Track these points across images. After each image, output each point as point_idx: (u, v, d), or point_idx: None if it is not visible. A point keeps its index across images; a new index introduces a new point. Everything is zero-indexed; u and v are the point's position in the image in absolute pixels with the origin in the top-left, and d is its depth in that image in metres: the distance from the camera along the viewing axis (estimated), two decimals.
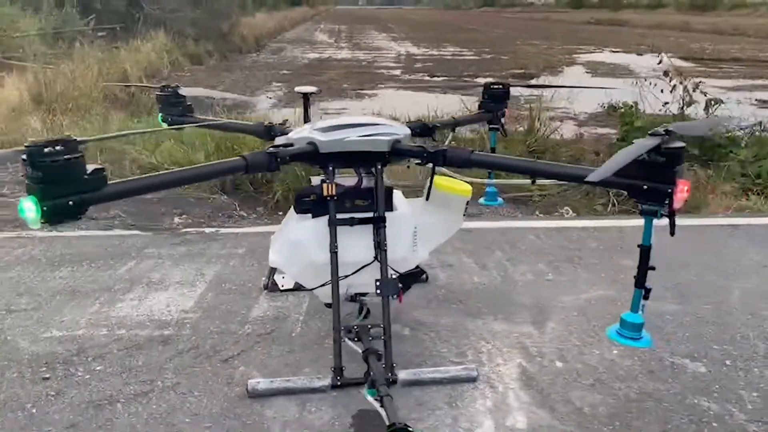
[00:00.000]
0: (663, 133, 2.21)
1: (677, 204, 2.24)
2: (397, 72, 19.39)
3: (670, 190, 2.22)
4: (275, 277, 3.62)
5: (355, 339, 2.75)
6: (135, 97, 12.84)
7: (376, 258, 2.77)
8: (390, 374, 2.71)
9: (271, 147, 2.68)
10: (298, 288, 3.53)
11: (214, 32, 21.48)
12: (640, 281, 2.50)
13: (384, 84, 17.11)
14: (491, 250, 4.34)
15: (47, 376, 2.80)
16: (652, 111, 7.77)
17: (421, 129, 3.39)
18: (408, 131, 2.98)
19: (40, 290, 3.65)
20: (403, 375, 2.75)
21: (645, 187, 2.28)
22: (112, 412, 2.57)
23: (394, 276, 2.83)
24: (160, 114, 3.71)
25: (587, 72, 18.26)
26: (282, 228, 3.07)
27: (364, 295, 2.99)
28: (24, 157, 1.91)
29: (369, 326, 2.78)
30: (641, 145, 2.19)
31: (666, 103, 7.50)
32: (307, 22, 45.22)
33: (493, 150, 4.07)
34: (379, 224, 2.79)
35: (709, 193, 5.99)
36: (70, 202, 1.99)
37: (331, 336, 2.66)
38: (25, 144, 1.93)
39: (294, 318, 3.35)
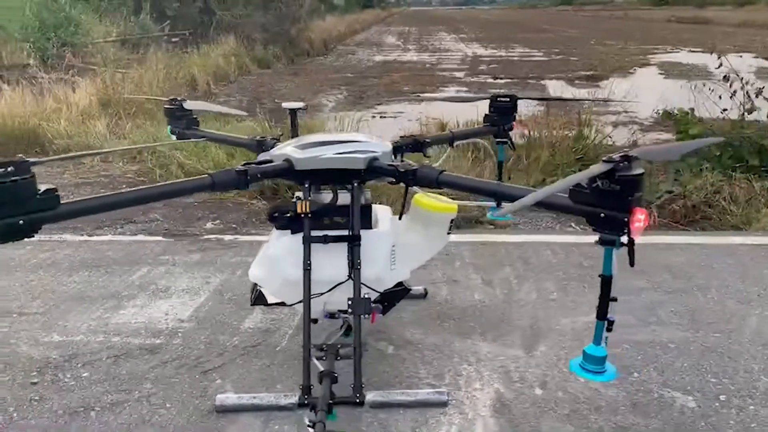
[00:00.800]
0: (617, 159, 2.09)
1: (634, 234, 2.11)
2: (460, 74, 19.22)
3: (626, 219, 2.10)
4: (264, 290, 3.65)
5: (323, 358, 2.75)
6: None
7: (350, 276, 2.76)
8: (358, 395, 2.69)
9: (243, 164, 2.71)
10: (283, 302, 3.56)
11: (282, 36, 21.92)
12: (601, 313, 2.37)
13: (445, 86, 17.03)
14: (502, 265, 4.23)
15: (36, 381, 2.94)
16: (712, 116, 7.37)
17: (413, 145, 3.35)
18: (388, 148, 2.94)
19: (53, 294, 3.83)
20: (371, 396, 2.71)
21: (602, 215, 2.16)
22: (84, 420, 2.66)
23: (368, 295, 2.81)
24: (168, 126, 3.82)
25: (660, 73, 17.56)
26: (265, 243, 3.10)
27: (345, 312, 2.99)
28: None
29: (339, 346, 2.77)
30: (589, 171, 2.08)
31: (725, 110, 7.11)
32: (378, 25, 45.50)
33: (500, 164, 3.95)
34: (353, 243, 2.77)
35: (763, 207, 5.64)
36: (21, 222, 2.06)
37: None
38: None
39: (283, 332, 3.37)
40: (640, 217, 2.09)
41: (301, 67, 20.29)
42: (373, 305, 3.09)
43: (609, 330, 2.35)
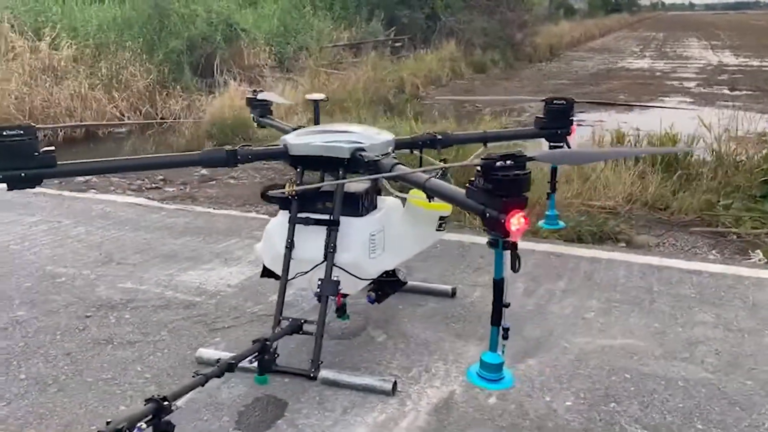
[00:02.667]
0: (494, 158, 1.97)
1: (513, 236, 1.98)
2: (692, 84, 17.62)
3: (502, 220, 1.98)
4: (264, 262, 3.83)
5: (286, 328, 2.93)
6: (398, 102, 14.07)
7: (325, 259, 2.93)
8: (313, 370, 2.86)
9: (241, 145, 3.01)
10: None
11: (503, 41, 21.96)
12: (495, 319, 2.23)
13: (667, 96, 15.80)
14: (558, 278, 4.02)
15: (89, 315, 3.56)
16: None
17: (431, 141, 3.38)
18: (380, 141, 3.03)
19: (153, 252, 4.52)
20: (324, 373, 2.87)
21: (487, 215, 2.06)
22: (101, 350, 3.19)
23: (356, 278, 2.92)
24: (251, 113, 4.28)
25: None
26: None
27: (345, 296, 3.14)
28: None
29: (303, 321, 2.94)
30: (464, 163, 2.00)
31: None
32: (623, 30, 42.93)
33: (553, 171, 3.73)
34: (331, 227, 2.93)
35: None
36: (23, 174, 2.60)
37: None
38: None
39: (300, 306, 3.62)
40: (517, 220, 1.97)
41: (517, 73, 20.16)
42: (369, 293, 3.24)
43: (504, 338, 2.23)
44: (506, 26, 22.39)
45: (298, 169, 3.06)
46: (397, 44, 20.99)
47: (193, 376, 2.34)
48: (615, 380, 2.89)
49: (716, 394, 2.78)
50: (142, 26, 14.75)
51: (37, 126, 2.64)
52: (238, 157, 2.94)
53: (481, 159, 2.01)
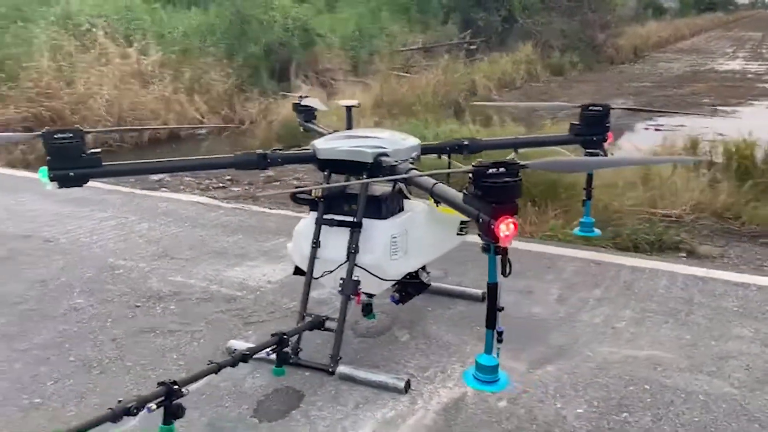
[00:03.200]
0: (486, 165, 2.01)
1: (502, 242, 2.01)
2: None
3: (492, 226, 2.03)
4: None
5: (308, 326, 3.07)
6: (463, 104, 14.07)
7: (347, 259, 3.05)
8: (332, 366, 2.99)
9: (273, 149, 3.18)
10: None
11: (584, 43, 21.45)
12: (489, 322, 2.27)
13: (757, 100, 15.09)
14: (595, 286, 3.98)
15: (139, 305, 3.83)
16: None
17: (458, 147, 3.43)
18: (404, 147, 3.12)
19: (206, 248, 4.77)
20: (341, 369, 2.99)
21: (480, 219, 2.11)
22: (143, 337, 3.43)
23: (379, 279, 3.03)
24: (297, 118, 4.46)
25: None
26: None
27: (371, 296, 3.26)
28: (41, 138, 2.84)
29: (325, 318, 3.07)
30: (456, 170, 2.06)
31: None
32: (716, 30, 40.82)
33: (589, 178, 3.69)
34: (354, 229, 3.05)
35: None
36: (71, 173, 2.86)
37: None
38: (42, 131, 2.85)
39: (332, 305, 3.74)
40: (507, 225, 2.02)
41: (597, 75, 19.66)
42: (393, 294, 3.34)
43: (499, 341, 2.27)
44: (587, 27, 21.85)
45: (326, 173, 3.19)
46: (471, 47, 20.91)
47: (208, 364, 2.51)
48: (632, 390, 2.86)
49: (737, 410, 2.70)
50: (224, 32, 15.39)
51: (86, 130, 2.89)
52: (268, 160, 3.11)
53: (473, 165, 2.07)
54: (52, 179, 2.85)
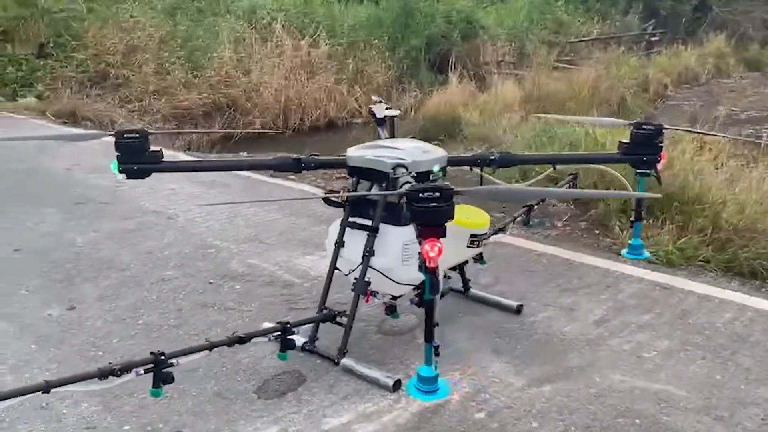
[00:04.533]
0: (418, 188, 2.10)
1: (429, 262, 2.10)
2: None
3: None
4: None
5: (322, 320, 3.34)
6: (624, 103, 13.38)
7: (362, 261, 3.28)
8: (337, 357, 3.24)
9: (309, 154, 3.47)
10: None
11: None
12: (428, 336, 2.35)
13: None
14: (647, 312, 3.82)
15: (211, 282, 4.34)
16: None
17: (489, 160, 3.47)
18: (427, 159, 3.24)
19: (291, 235, 5.21)
20: (345, 361, 3.23)
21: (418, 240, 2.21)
22: (201, 312, 3.92)
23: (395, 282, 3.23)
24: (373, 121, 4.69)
25: None
26: None
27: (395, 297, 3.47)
28: (113, 138, 3.37)
29: (337, 312, 3.32)
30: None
31: None
32: None
33: (638, 201, 3.48)
34: (371, 233, 3.26)
35: None
36: (135, 167, 3.37)
37: None
38: (115, 131, 3.38)
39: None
40: (431, 248, 2.14)
41: None
42: (413, 297, 3.51)
43: (437, 354, 2.37)
44: None
45: (353, 179, 3.42)
46: (653, 38, 19.58)
47: (205, 341, 2.88)
48: (620, 422, 2.79)
49: None
50: (390, 25, 15.96)
51: (150, 131, 3.39)
52: (303, 164, 3.40)
53: (406, 189, 2.19)
54: (120, 171, 3.39)
